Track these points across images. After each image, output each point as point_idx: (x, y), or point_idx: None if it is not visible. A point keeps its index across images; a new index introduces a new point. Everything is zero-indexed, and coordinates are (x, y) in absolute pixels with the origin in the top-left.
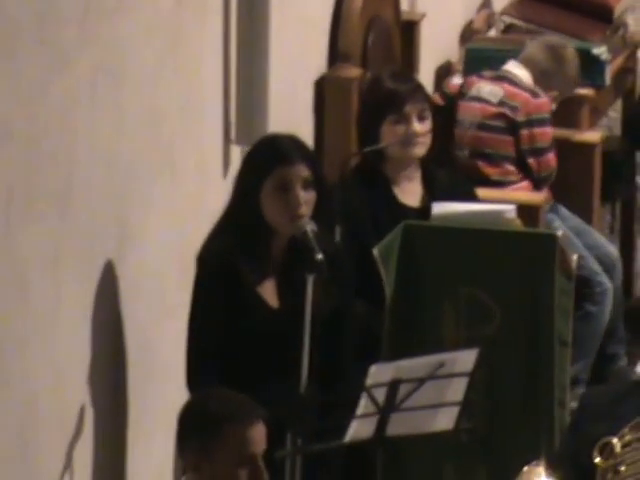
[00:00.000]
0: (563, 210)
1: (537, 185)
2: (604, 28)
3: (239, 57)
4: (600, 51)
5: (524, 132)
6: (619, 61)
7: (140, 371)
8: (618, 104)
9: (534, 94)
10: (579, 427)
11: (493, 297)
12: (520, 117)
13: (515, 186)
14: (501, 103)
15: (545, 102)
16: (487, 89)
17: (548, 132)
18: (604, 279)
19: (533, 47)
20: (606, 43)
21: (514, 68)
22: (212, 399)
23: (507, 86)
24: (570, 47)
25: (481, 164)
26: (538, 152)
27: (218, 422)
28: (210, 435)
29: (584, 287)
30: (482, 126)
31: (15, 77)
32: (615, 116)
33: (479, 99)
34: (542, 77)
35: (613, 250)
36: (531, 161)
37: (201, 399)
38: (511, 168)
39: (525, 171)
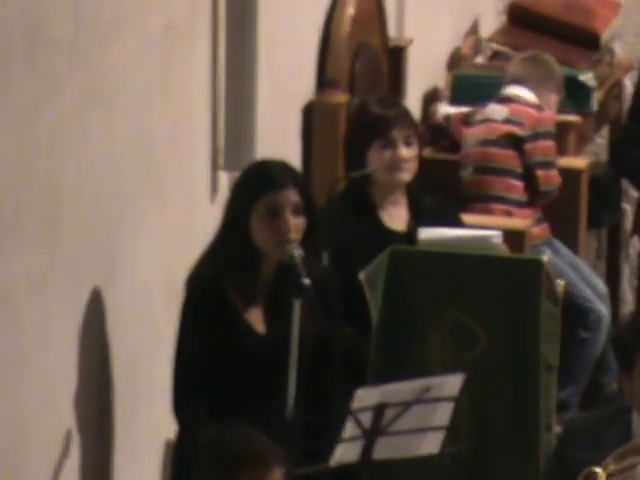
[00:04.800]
0: (556, 243)
1: (537, 199)
2: (591, 54)
3: (227, 83)
4: (587, 77)
5: (529, 146)
6: (606, 87)
7: (127, 395)
8: (605, 130)
9: (538, 108)
10: (564, 453)
11: (479, 322)
12: (525, 131)
13: (517, 211)
14: (507, 121)
15: (549, 116)
16: (490, 109)
17: (552, 146)
18: (599, 306)
19: (516, 68)
20: (593, 69)
21: (514, 90)
22: (232, 438)
23: (512, 105)
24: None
25: (486, 179)
26: (547, 165)
27: (235, 466)
28: (225, 477)
29: (579, 314)
30: (487, 142)
31: (5, 102)
32: (602, 142)
33: (484, 120)
34: (542, 87)
35: (602, 286)
36: (540, 173)
37: (221, 436)
38: (516, 183)
39: (530, 189)
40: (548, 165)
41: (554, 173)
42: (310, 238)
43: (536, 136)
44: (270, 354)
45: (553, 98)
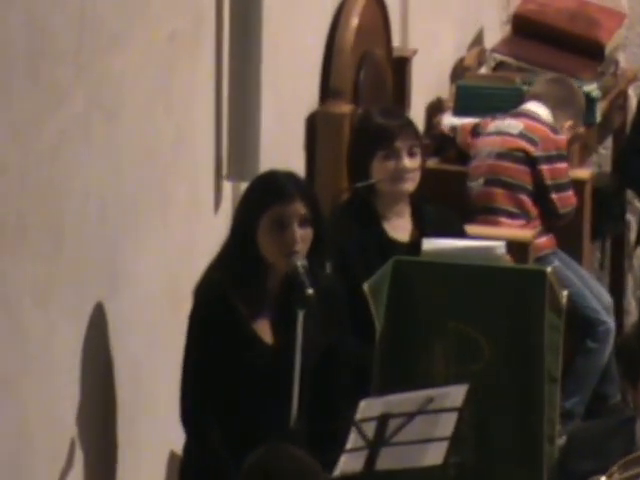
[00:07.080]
0: (562, 254)
1: (556, 221)
2: (595, 65)
3: (231, 93)
4: (591, 88)
5: (544, 167)
6: (610, 98)
7: (131, 406)
8: (609, 141)
9: (553, 130)
10: (567, 463)
11: (482, 333)
12: (539, 152)
13: (525, 225)
14: (521, 135)
15: (563, 139)
16: (506, 123)
17: (566, 168)
18: (607, 318)
19: (540, 86)
20: (597, 80)
21: (532, 106)
22: (280, 462)
23: (526, 120)
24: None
25: (496, 192)
26: (562, 188)
27: None
28: None
29: (587, 325)
30: (502, 155)
31: (10, 112)
32: (605, 153)
33: (499, 133)
34: (559, 109)
35: (607, 297)
36: (555, 197)
37: (269, 458)
38: (526, 200)
39: (541, 207)
40: (563, 188)
41: (570, 194)
42: (316, 249)
43: (550, 158)
44: (278, 364)
45: (568, 124)
